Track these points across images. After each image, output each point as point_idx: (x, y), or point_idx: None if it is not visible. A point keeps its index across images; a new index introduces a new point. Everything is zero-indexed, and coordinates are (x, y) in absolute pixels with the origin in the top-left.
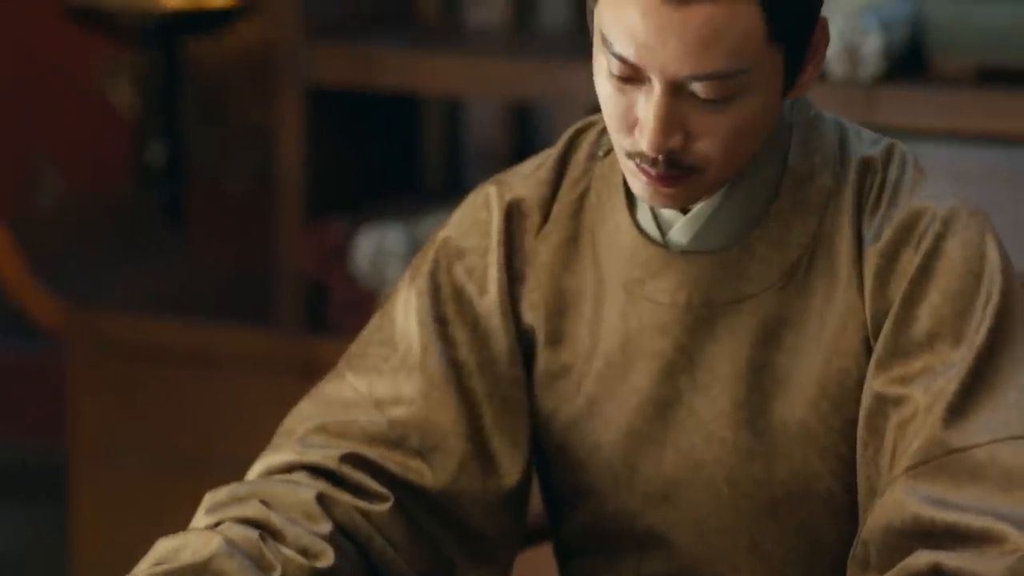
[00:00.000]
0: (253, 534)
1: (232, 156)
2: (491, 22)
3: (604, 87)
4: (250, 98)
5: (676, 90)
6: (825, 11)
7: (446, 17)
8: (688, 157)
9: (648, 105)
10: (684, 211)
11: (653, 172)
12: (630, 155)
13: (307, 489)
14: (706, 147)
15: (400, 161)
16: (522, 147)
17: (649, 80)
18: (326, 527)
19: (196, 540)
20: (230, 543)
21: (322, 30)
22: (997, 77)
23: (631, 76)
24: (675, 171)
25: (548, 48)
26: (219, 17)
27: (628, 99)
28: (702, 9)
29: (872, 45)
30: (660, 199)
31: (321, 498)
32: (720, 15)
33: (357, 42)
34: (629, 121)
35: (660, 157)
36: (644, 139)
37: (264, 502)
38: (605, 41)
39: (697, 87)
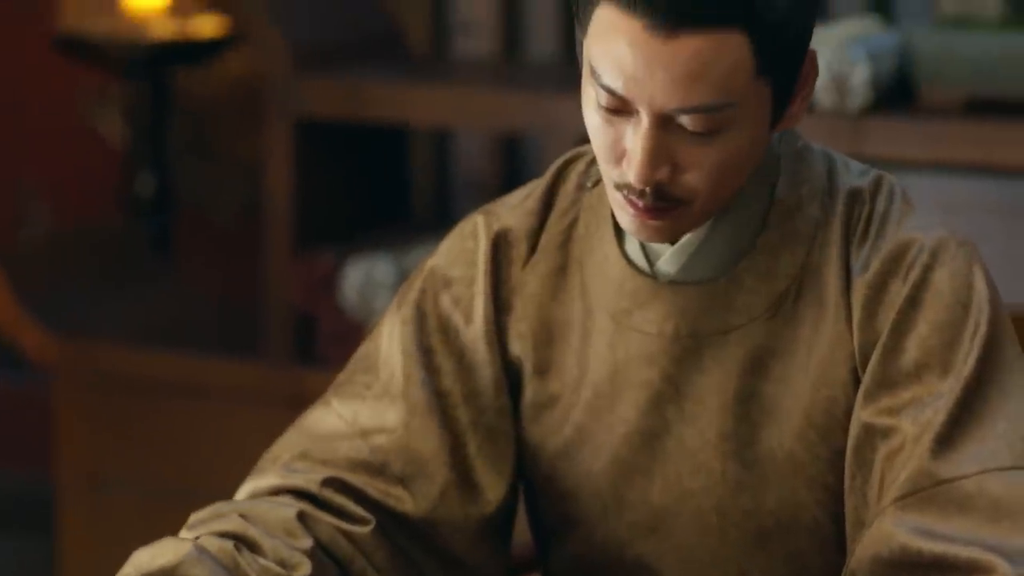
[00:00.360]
0: (228, 544)
1: (221, 187)
2: (480, 54)
3: (592, 118)
4: (238, 129)
5: (664, 122)
6: (813, 42)
7: (435, 49)
8: (675, 189)
9: (636, 137)
10: (672, 242)
11: (640, 204)
12: (618, 186)
13: (288, 508)
14: (693, 179)
15: (389, 192)
16: (511, 178)
17: (637, 112)
18: (306, 543)
19: (168, 547)
20: (201, 550)
21: (311, 61)
22: (985, 108)
23: (619, 108)
24: (662, 203)
25: (537, 79)
26: (207, 48)
27: (616, 131)
28: (690, 42)
29: (860, 76)
30: (647, 232)
31: (302, 516)
32: (708, 48)
33: (346, 73)
34: (617, 152)
35: (648, 189)
36: (632, 171)
37: (244, 516)
38: (594, 73)
39: (685, 120)
